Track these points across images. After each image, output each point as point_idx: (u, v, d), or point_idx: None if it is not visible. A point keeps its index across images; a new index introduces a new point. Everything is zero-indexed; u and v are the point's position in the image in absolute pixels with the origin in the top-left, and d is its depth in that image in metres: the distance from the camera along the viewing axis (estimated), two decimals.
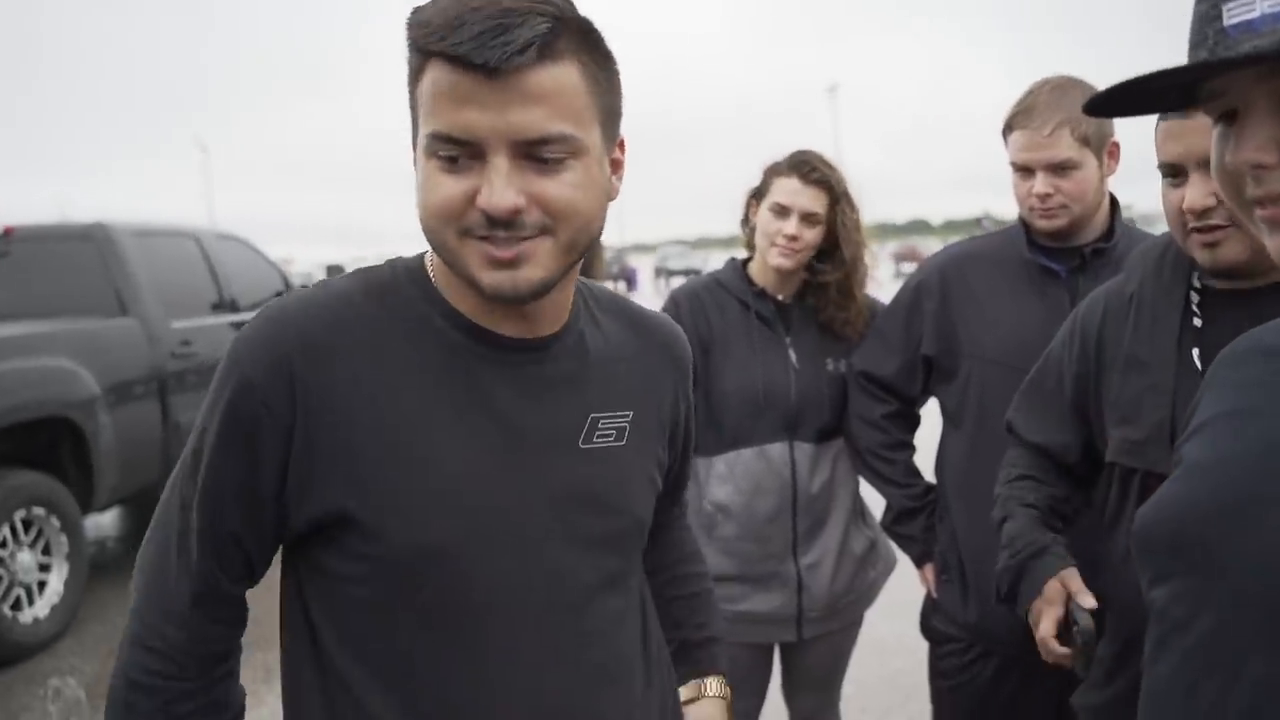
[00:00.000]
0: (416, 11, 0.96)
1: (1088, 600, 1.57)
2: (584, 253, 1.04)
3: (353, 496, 0.99)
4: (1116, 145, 2.05)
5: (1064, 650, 1.59)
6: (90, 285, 5.65)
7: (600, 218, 1.03)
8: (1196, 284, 1.57)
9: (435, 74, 0.94)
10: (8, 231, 5.78)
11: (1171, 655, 0.78)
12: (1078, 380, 1.72)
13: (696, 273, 42.09)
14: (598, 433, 1.11)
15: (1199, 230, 1.47)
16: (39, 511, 4.78)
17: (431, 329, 1.05)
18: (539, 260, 0.97)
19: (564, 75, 0.95)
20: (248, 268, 7.16)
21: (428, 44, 0.93)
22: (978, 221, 32.99)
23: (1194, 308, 1.56)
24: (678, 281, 42.93)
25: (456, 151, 0.95)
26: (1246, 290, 1.51)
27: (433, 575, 1.01)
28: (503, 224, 0.94)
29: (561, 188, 0.96)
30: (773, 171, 2.38)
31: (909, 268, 39.89)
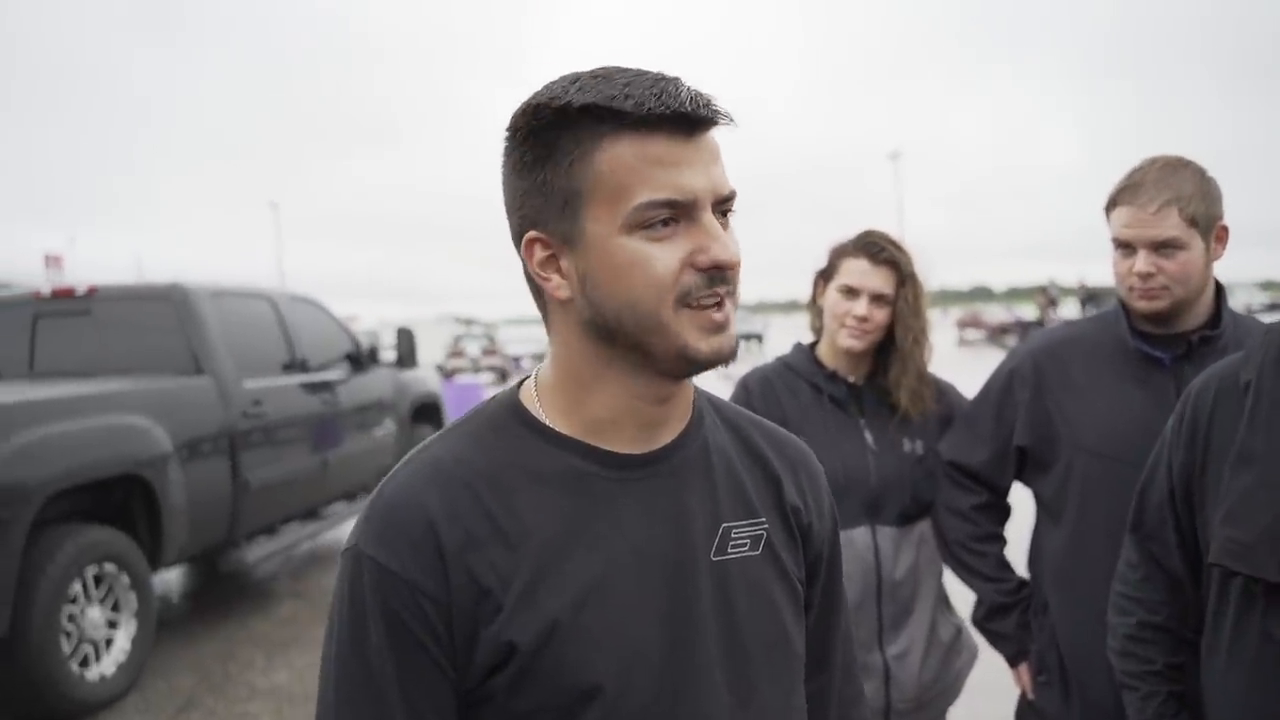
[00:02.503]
0: (562, 89, 0.96)
1: None
2: None
3: (506, 650, 0.96)
4: (1225, 229, 1.97)
5: None
6: (167, 344, 5.77)
7: None
8: None
9: (628, 146, 0.94)
10: (90, 291, 5.94)
11: None
12: (1184, 469, 1.64)
13: (757, 337, 41.97)
14: (731, 543, 1.07)
15: None
16: (110, 568, 4.83)
17: (550, 464, 1.03)
18: (734, 320, 1.01)
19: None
20: (318, 329, 7.30)
21: (632, 108, 0.92)
22: (1042, 289, 32.57)
23: None
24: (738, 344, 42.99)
25: (670, 215, 0.95)
26: None
27: (585, 712, 0.97)
28: (721, 280, 0.96)
29: (738, 247, 0.99)
30: (840, 252, 2.36)
31: (972, 335, 39.48)
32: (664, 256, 0.95)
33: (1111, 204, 2.00)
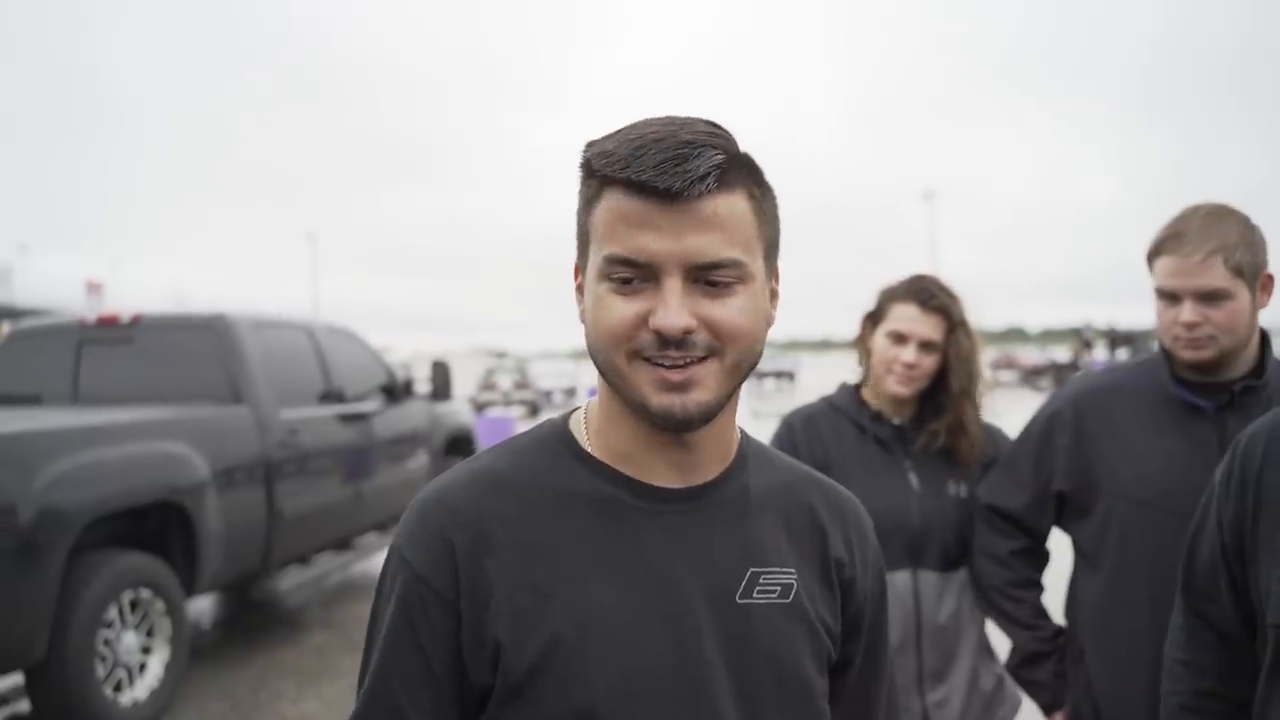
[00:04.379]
0: (596, 142, 1.02)
1: None
2: (745, 377, 1.05)
3: (511, 662, 1.00)
4: (1271, 278, 1.96)
5: None
6: (207, 373, 5.85)
7: (761, 342, 1.05)
8: None
9: (613, 200, 0.99)
10: (134, 319, 6.04)
11: None
12: (1235, 522, 1.59)
13: (789, 375, 41.52)
14: (758, 588, 1.08)
15: None
16: (145, 594, 4.88)
17: (582, 486, 1.07)
18: (706, 384, 1.00)
19: (736, 204, 1.00)
20: (355, 360, 7.36)
21: (610, 171, 0.98)
22: (1077, 332, 32.29)
23: None
24: (769, 382, 42.96)
25: (631, 274, 0.99)
26: None
27: None
28: (674, 344, 0.97)
29: (730, 311, 0.99)
30: (890, 296, 2.35)
31: (1006, 376, 39.09)
32: (621, 310, 0.99)
33: (1155, 253, 1.99)
